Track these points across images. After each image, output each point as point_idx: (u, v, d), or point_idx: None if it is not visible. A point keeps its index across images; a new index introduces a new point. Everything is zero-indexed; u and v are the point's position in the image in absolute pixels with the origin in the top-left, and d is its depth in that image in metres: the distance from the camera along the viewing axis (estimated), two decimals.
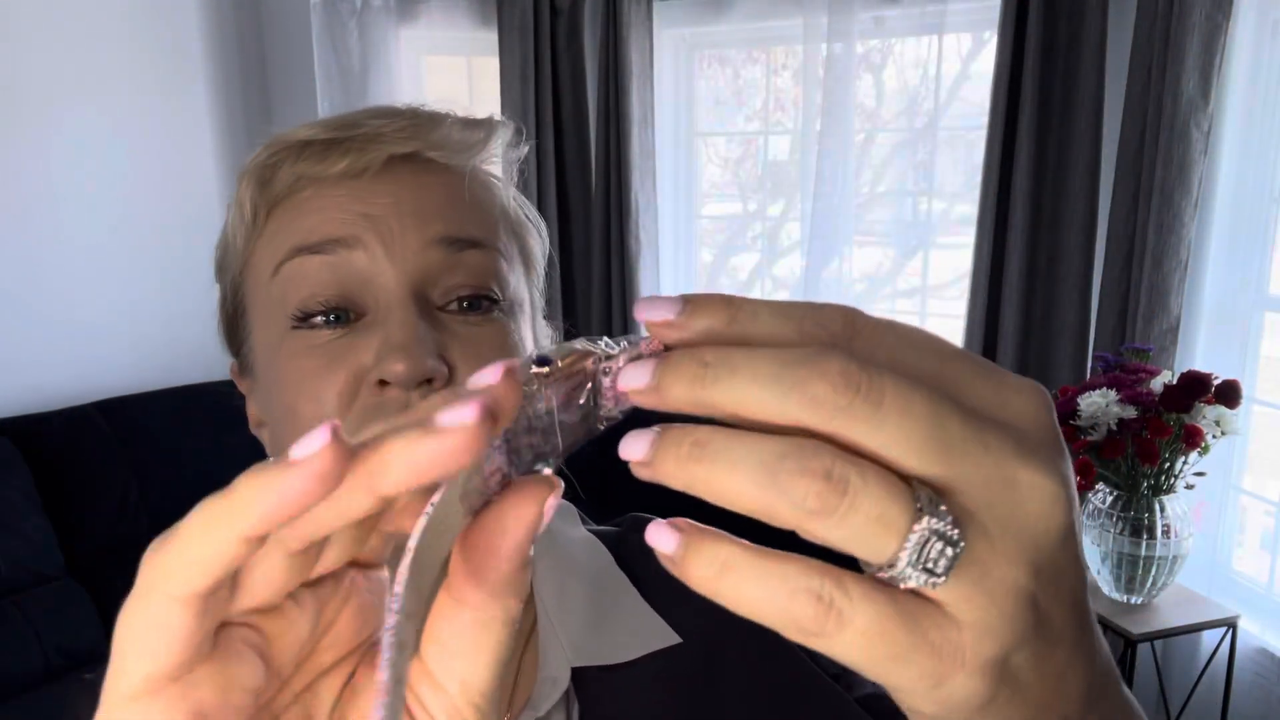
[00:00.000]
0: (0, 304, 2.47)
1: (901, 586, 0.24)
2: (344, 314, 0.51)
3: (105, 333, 2.61)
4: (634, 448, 0.25)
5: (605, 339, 0.27)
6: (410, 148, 0.53)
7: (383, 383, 0.48)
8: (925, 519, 0.23)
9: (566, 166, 3.14)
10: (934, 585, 0.23)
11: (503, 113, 3.14)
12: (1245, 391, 2.02)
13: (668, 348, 0.26)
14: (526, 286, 0.58)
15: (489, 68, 3.14)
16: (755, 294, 3.44)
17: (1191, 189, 2.21)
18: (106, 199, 2.63)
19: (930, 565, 0.23)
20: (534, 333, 0.58)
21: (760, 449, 0.23)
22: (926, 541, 0.23)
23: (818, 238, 2.85)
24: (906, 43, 2.92)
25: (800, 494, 0.23)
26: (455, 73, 3.35)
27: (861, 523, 0.23)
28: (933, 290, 2.93)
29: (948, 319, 2.83)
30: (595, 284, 3.14)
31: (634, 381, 0.25)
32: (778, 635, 0.25)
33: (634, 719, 0.54)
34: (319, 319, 0.51)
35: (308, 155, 0.52)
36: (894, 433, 0.23)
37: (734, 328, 0.26)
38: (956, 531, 0.23)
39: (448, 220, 0.52)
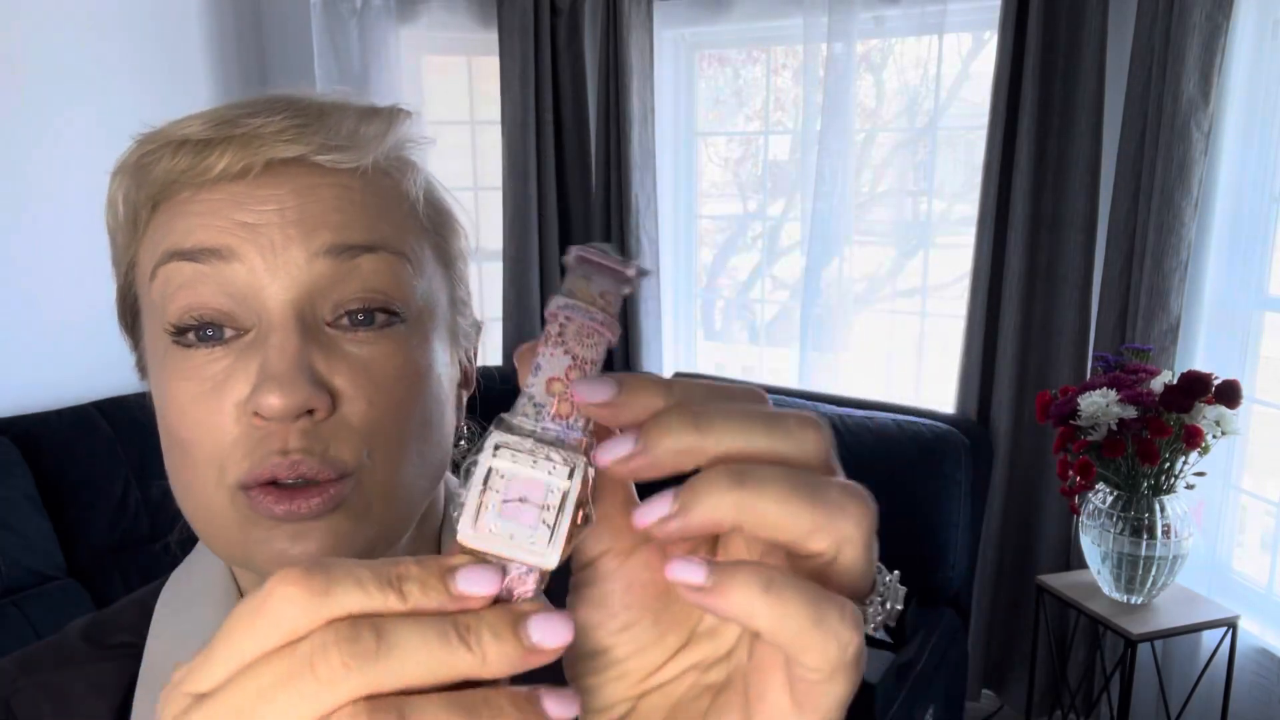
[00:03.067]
0: (0, 304, 2.47)
1: (868, 628, 0.29)
2: (219, 331, 0.47)
3: (105, 333, 2.59)
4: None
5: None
6: (294, 151, 0.48)
7: (258, 413, 0.45)
8: (886, 583, 0.31)
9: (566, 166, 3.13)
10: (880, 633, 0.31)
11: (503, 113, 3.16)
12: (1245, 391, 2.02)
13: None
14: (445, 286, 0.54)
15: (489, 68, 3.14)
16: (755, 293, 3.43)
17: (1191, 189, 2.21)
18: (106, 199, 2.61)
19: (898, 606, 0.31)
20: (452, 335, 0.54)
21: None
22: (896, 593, 0.31)
23: (818, 238, 2.85)
24: (906, 43, 2.92)
25: (843, 532, 0.28)
26: (455, 73, 3.35)
27: (869, 565, 0.29)
28: (933, 290, 2.93)
29: (948, 319, 2.83)
30: None
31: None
32: None
33: None
34: (192, 335, 0.47)
35: (184, 154, 0.47)
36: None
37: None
38: (904, 590, 0.32)
39: (337, 227, 0.47)
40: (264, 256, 0.46)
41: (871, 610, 0.28)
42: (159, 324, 0.48)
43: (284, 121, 0.47)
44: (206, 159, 0.47)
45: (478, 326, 0.59)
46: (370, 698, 0.25)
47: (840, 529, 0.27)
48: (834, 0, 2.70)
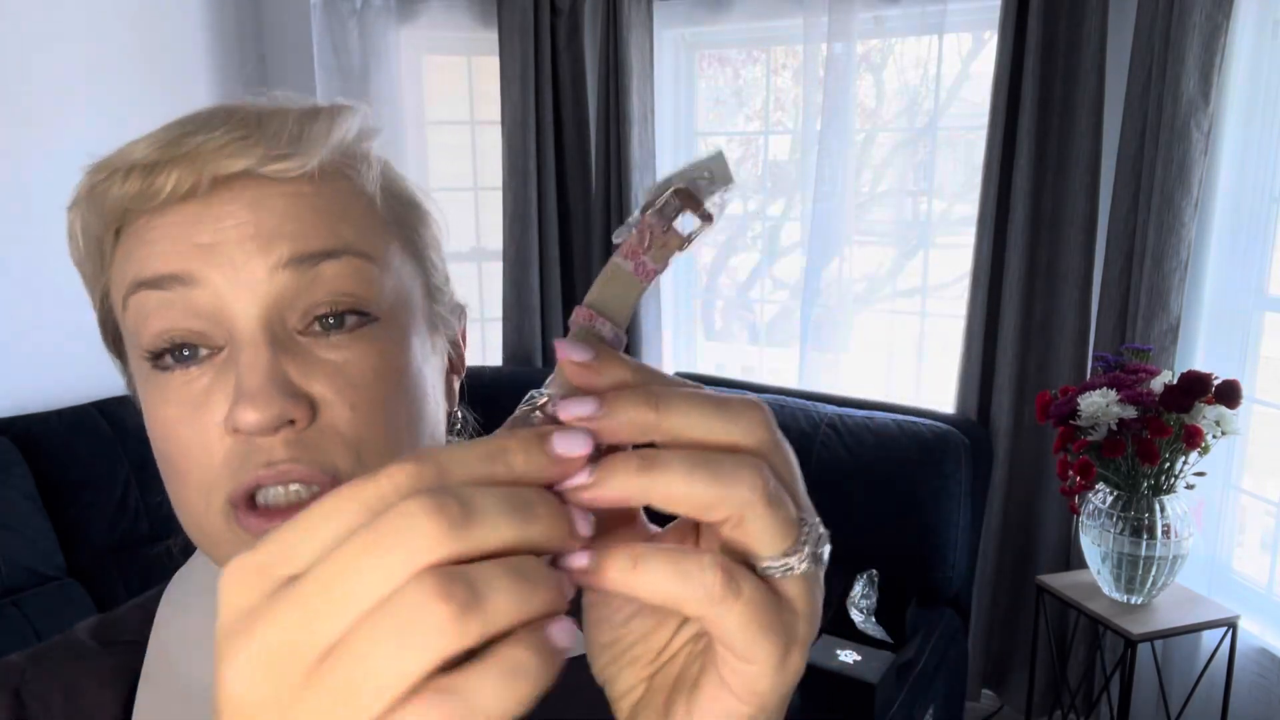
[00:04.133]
0: (1, 304, 2.47)
1: (793, 570, 0.31)
2: (194, 350, 0.47)
3: None
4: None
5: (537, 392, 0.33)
6: (238, 166, 0.47)
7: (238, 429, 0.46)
8: (811, 525, 0.32)
9: (566, 166, 3.13)
10: (816, 570, 0.32)
11: (503, 113, 3.16)
12: (1245, 391, 2.02)
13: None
14: (418, 275, 0.53)
15: (489, 68, 3.14)
16: (755, 293, 3.43)
17: (1191, 189, 2.21)
18: None
19: (819, 554, 0.32)
20: (431, 324, 0.54)
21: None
22: (819, 538, 0.32)
23: (818, 238, 2.85)
24: (906, 43, 2.92)
25: (741, 498, 0.30)
26: (455, 73, 3.35)
27: (783, 518, 0.31)
28: (933, 290, 2.93)
29: (948, 319, 2.83)
30: None
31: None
32: None
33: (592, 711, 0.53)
34: (169, 359, 0.47)
35: (132, 179, 0.47)
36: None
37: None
38: (827, 533, 0.33)
39: (294, 237, 0.47)
40: (225, 276, 0.46)
41: (794, 559, 0.31)
42: (137, 351, 0.49)
43: (224, 136, 0.47)
44: (155, 182, 0.47)
45: (460, 310, 0.59)
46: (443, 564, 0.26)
47: (736, 497, 0.30)
48: (834, 0, 2.70)
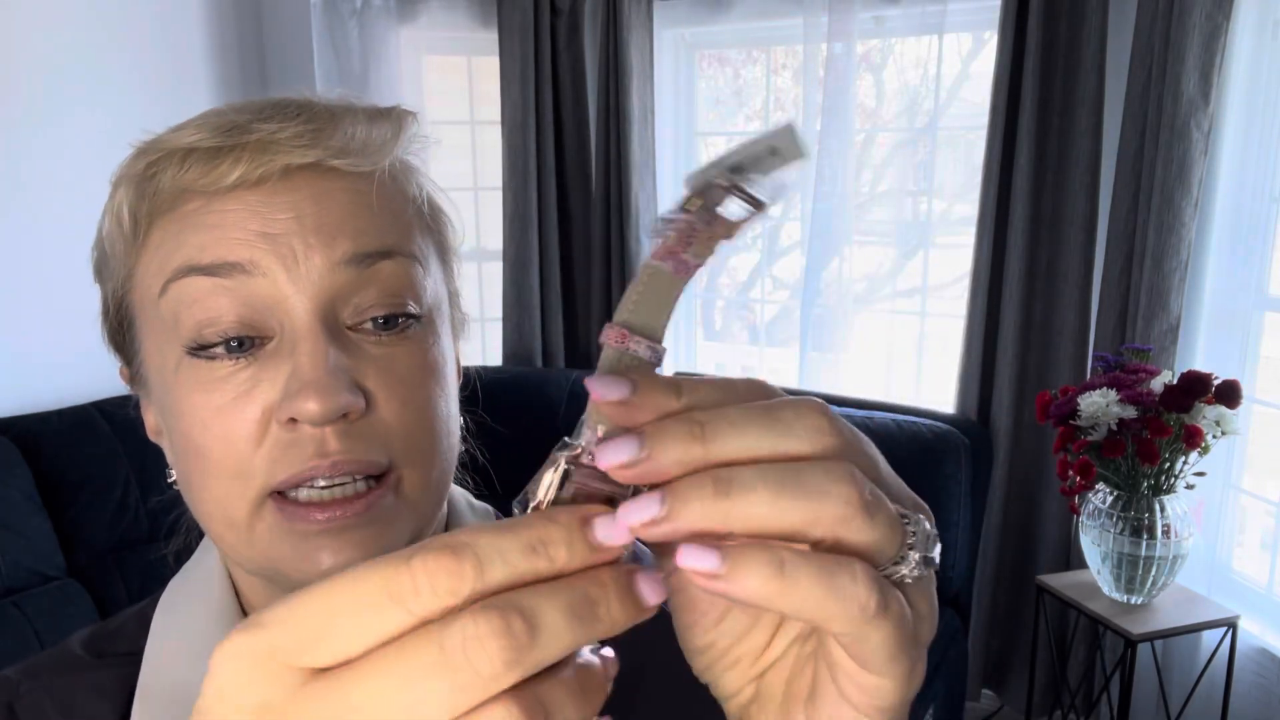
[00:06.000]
0: (1, 304, 2.47)
1: (906, 579, 0.29)
2: (245, 341, 0.46)
3: None
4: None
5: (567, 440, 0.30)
6: (310, 157, 0.47)
7: (294, 419, 0.45)
8: (916, 524, 0.29)
9: (566, 166, 3.13)
10: (927, 570, 0.29)
11: (503, 113, 3.15)
12: (1245, 391, 2.02)
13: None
14: (444, 282, 0.54)
15: (489, 68, 3.14)
16: (755, 293, 3.43)
17: (1191, 189, 2.21)
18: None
19: (929, 557, 0.29)
20: (454, 329, 0.55)
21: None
22: (928, 537, 0.29)
23: (818, 238, 2.85)
24: (906, 43, 2.92)
25: (836, 514, 0.27)
26: (455, 73, 3.35)
27: (885, 525, 0.28)
28: (933, 290, 2.93)
29: (948, 319, 2.83)
30: (595, 284, 3.13)
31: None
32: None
33: None
34: (219, 349, 0.46)
35: (192, 164, 0.46)
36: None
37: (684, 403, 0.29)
38: (935, 531, 0.30)
39: (355, 235, 0.48)
40: (286, 267, 0.46)
41: (905, 568, 0.29)
42: (174, 339, 0.47)
43: (299, 126, 0.47)
44: (218, 168, 0.46)
45: (465, 320, 0.60)
46: (516, 687, 0.24)
47: (830, 513, 0.27)
48: (834, 0, 2.70)
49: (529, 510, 0.29)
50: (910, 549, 0.29)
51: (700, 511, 0.26)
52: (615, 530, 0.27)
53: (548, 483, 0.29)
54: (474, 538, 0.25)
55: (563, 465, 0.29)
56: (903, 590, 0.29)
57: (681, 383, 0.29)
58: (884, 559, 0.28)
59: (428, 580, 0.25)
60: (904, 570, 0.29)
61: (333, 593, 0.25)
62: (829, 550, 0.28)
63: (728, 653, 0.33)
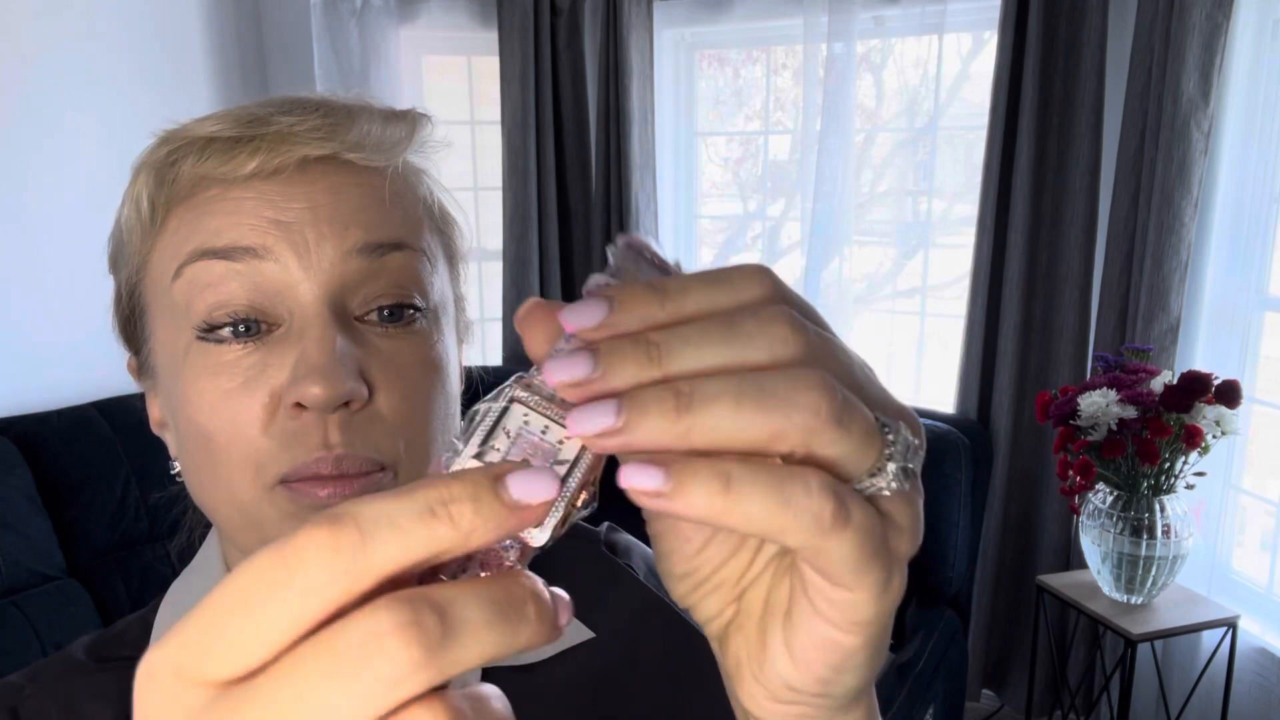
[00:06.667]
0: (1, 304, 2.47)
1: (884, 491, 0.27)
2: (254, 325, 0.47)
3: (105, 333, 2.60)
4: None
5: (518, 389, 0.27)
6: (326, 150, 0.49)
7: (299, 405, 0.46)
8: (896, 432, 0.28)
9: (566, 166, 3.13)
10: (907, 482, 0.28)
11: (503, 113, 3.16)
12: (1245, 391, 2.02)
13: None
14: (451, 285, 0.55)
15: (489, 68, 3.14)
16: None
17: (1191, 189, 2.21)
18: (107, 199, 2.61)
19: (908, 467, 0.28)
20: (458, 331, 0.56)
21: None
22: (909, 447, 0.28)
23: (818, 238, 2.85)
24: (906, 43, 2.92)
25: (804, 425, 0.25)
26: (455, 73, 3.35)
27: (860, 435, 0.26)
28: (933, 290, 2.93)
29: (948, 319, 2.83)
30: None
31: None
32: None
33: (547, 718, 0.54)
34: (226, 331, 0.47)
35: (212, 153, 0.48)
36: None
37: (668, 309, 0.26)
38: (918, 441, 0.28)
39: (367, 226, 0.49)
40: (298, 254, 0.47)
41: (881, 479, 0.27)
42: (184, 323, 0.48)
43: (317, 120, 0.49)
44: (236, 157, 0.48)
45: (469, 327, 0.61)
46: (434, 689, 0.22)
47: (798, 424, 0.25)
48: (834, 0, 2.70)
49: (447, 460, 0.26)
50: (889, 460, 0.27)
51: (660, 425, 0.24)
52: (533, 486, 0.23)
53: (487, 413, 0.26)
54: (358, 504, 0.22)
55: (508, 393, 0.26)
56: (882, 503, 0.27)
57: (667, 284, 0.26)
58: (859, 470, 0.27)
59: (299, 560, 0.21)
60: (880, 483, 0.27)
61: (218, 595, 0.22)
62: (800, 463, 0.26)
63: (709, 579, 0.32)
